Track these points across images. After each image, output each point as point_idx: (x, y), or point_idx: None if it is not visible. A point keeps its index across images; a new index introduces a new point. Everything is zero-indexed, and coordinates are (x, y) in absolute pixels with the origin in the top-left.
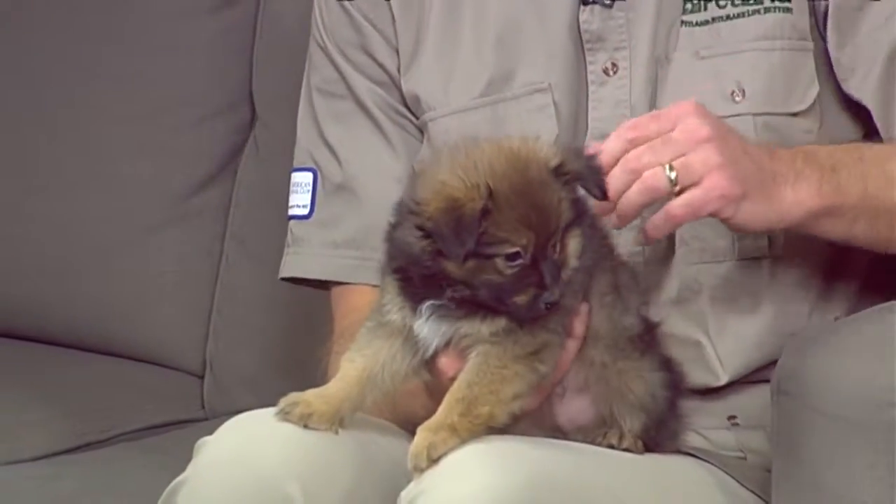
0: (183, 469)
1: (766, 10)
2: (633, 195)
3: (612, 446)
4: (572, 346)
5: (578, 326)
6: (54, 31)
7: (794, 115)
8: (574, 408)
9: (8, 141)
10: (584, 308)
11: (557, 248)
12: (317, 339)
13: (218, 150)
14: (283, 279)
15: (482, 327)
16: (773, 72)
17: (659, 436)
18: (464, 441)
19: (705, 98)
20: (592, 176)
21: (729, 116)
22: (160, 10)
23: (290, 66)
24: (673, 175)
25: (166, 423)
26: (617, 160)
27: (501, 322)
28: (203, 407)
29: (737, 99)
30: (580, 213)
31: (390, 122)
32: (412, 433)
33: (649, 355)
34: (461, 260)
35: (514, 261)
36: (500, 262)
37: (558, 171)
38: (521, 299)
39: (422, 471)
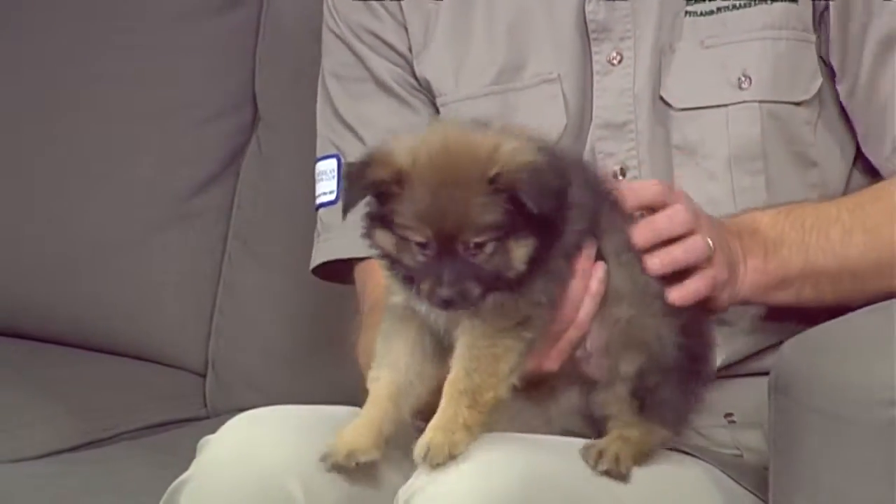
0: (185, 467)
1: (773, 0)
2: (680, 253)
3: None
4: (589, 304)
5: (595, 283)
6: (59, 33)
7: (798, 104)
8: (603, 366)
9: (12, 141)
10: (601, 266)
11: (481, 248)
12: (318, 337)
13: (221, 150)
14: (314, 272)
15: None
16: (780, 60)
17: (658, 392)
18: (477, 435)
19: (710, 86)
20: (536, 189)
21: (735, 104)
22: (163, 12)
23: (292, 67)
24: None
25: (169, 421)
26: None
27: (489, 299)
28: (205, 406)
29: (743, 86)
30: (527, 220)
31: (412, 97)
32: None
33: (673, 316)
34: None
35: (423, 248)
36: (413, 246)
37: (493, 182)
38: (423, 289)
39: (438, 466)
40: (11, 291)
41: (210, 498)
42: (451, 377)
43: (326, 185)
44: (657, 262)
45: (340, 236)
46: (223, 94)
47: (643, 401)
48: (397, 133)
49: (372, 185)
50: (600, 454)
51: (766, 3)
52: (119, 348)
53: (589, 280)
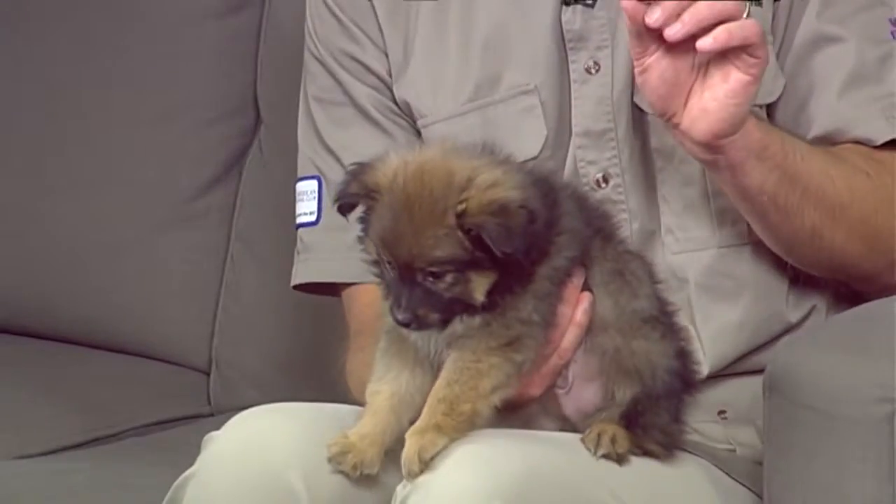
0: (190, 463)
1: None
2: (704, 8)
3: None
4: (573, 333)
5: (580, 314)
6: (66, 40)
7: (767, 106)
8: (583, 397)
9: (21, 144)
10: (587, 297)
11: (441, 277)
12: (319, 337)
13: (223, 152)
14: (295, 287)
15: (457, 325)
16: None
17: (647, 417)
18: (452, 440)
19: None
20: (494, 234)
21: None
22: (167, 18)
23: (293, 71)
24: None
25: (173, 418)
26: None
27: (476, 320)
28: (209, 403)
29: None
30: (491, 255)
31: (391, 122)
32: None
33: (668, 340)
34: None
35: (390, 267)
36: (384, 261)
37: (458, 217)
38: (387, 303)
39: (416, 475)
40: (19, 290)
41: (214, 492)
42: (434, 387)
43: (307, 205)
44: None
45: (321, 258)
46: (226, 97)
47: (632, 423)
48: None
49: (352, 196)
50: (598, 437)
51: None
52: (124, 347)
53: (575, 309)
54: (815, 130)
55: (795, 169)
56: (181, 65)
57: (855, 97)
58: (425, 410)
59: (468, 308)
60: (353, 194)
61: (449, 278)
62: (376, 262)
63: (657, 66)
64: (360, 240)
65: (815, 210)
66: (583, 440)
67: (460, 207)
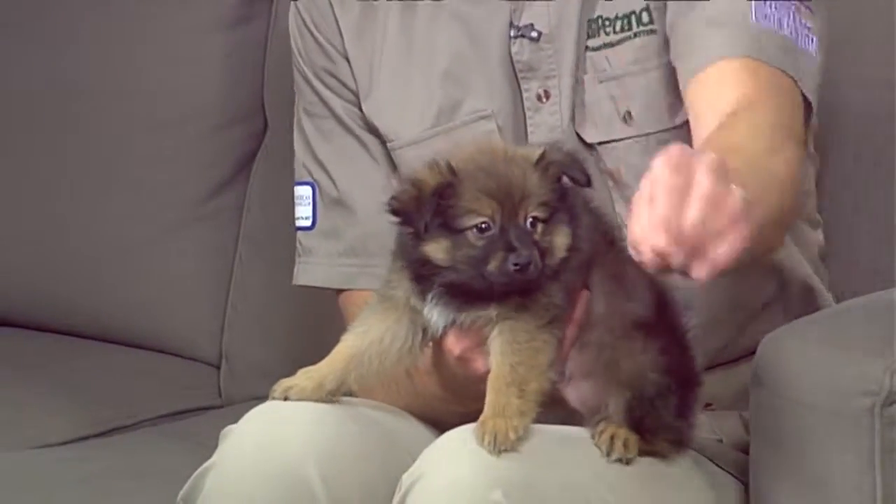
0: (201, 452)
1: (636, 34)
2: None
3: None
4: (571, 330)
5: (578, 311)
6: (85, 51)
7: (681, 127)
8: (583, 391)
9: (41, 149)
10: (585, 295)
11: (535, 226)
12: (323, 331)
13: (233, 156)
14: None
15: (490, 310)
16: (651, 91)
17: (648, 421)
18: (530, 421)
19: (608, 120)
20: (574, 164)
21: (625, 139)
22: (180, 29)
23: None
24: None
25: (186, 409)
26: None
27: (510, 304)
28: (220, 395)
29: (628, 121)
30: (569, 205)
31: (368, 133)
32: (431, 417)
33: (652, 340)
34: (423, 231)
35: (483, 232)
36: (471, 234)
37: (540, 163)
38: (493, 265)
39: (504, 451)
40: (38, 288)
41: (233, 482)
42: (495, 372)
43: (303, 210)
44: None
45: (315, 262)
46: (235, 104)
47: (638, 428)
48: (357, 174)
49: (435, 187)
50: (611, 440)
51: (630, 39)
52: (139, 341)
53: (574, 305)
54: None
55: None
56: (193, 74)
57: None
58: (494, 394)
59: (541, 274)
60: (437, 185)
61: (541, 228)
62: (441, 262)
63: None
64: (412, 256)
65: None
66: (595, 442)
67: (539, 151)
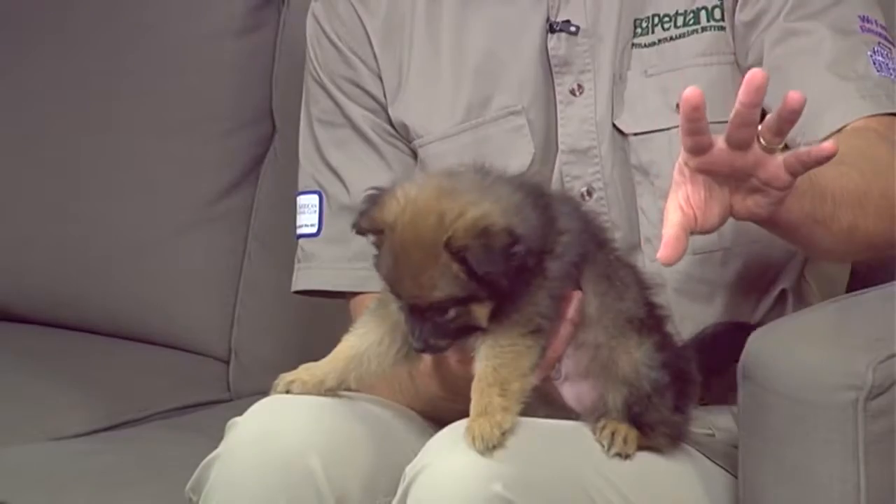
0: (211, 444)
1: (703, 28)
2: None
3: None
4: (566, 329)
5: (571, 311)
6: (99, 57)
7: None
8: (579, 390)
9: (56, 151)
10: (577, 295)
11: (446, 313)
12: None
13: (242, 159)
14: (296, 292)
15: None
16: (712, 84)
17: (646, 416)
18: (516, 416)
19: (653, 112)
20: (486, 252)
21: (675, 127)
22: (191, 37)
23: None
24: None
25: (196, 403)
26: None
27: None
28: (229, 389)
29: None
30: (486, 283)
31: (385, 143)
32: (432, 415)
33: (646, 336)
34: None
35: (400, 302)
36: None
37: (446, 247)
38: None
39: (493, 448)
40: (54, 286)
41: (238, 472)
42: (478, 375)
43: (308, 217)
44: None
45: (322, 268)
46: (244, 109)
47: (637, 424)
48: (371, 182)
49: (364, 231)
50: (612, 436)
51: (697, 34)
52: (150, 337)
53: (567, 306)
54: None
55: (818, 182)
56: (204, 79)
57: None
58: (477, 395)
59: (476, 329)
60: (365, 229)
61: (452, 312)
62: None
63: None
64: (376, 266)
65: (847, 209)
66: (596, 437)
67: (447, 236)
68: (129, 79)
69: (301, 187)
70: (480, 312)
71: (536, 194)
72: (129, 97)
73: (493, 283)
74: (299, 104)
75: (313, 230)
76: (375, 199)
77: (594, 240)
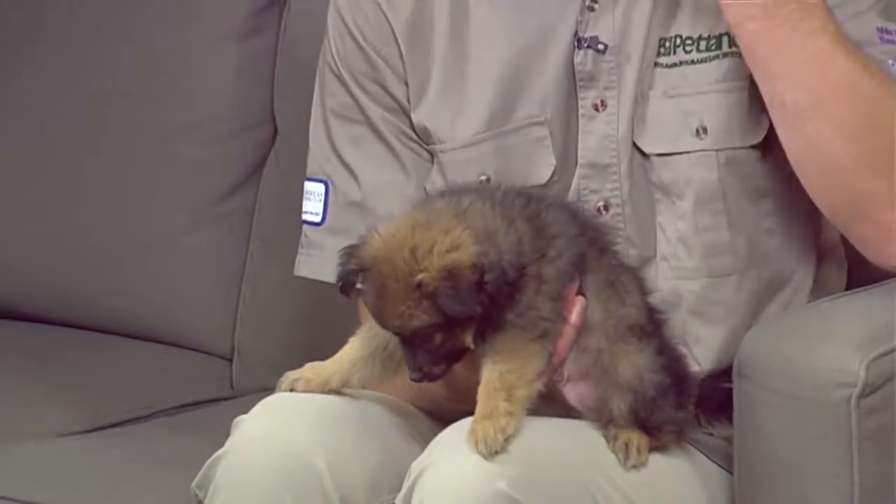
0: (214, 441)
1: (724, 55)
2: None
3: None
4: (569, 332)
5: (574, 316)
6: (105, 58)
7: (753, 147)
8: (581, 390)
9: (63, 154)
10: (580, 301)
11: (432, 340)
12: (332, 326)
13: (244, 161)
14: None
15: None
16: (731, 110)
17: (652, 418)
18: (520, 420)
19: (674, 134)
20: (455, 296)
21: (695, 151)
22: (194, 40)
23: (306, 88)
24: None
25: (199, 401)
26: None
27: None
28: (232, 387)
29: (701, 136)
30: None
31: (402, 146)
32: (436, 416)
33: (646, 341)
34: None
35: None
36: None
37: (418, 288)
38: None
39: (496, 452)
40: (60, 286)
41: (244, 470)
42: (484, 379)
43: (313, 205)
44: None
45: (323, 258)
46: (246, 112)
47: (645, 428)
48: (385, 180)
49: (353, 273)
50: (626, 447)
51: (719, 59)
52: (155, 336)
53: (570, 310)
54: None
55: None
56: (207, 82)
57: None
58: (483, 398)
59: (467, 350)
60: (353, 271)
61: (437, 338)
62: None
63: None
64: (364, 301)
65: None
66: (611, 448)
67: (418, 279)
68: (133, 82)
69: (309, 173)
70: (465, 334)
71: (523, 205)
72: (132, 100)
73: (467, 316)
74: (300, 107)
75: (317, 219)
76: (355, 247)
77: (595, 244)
